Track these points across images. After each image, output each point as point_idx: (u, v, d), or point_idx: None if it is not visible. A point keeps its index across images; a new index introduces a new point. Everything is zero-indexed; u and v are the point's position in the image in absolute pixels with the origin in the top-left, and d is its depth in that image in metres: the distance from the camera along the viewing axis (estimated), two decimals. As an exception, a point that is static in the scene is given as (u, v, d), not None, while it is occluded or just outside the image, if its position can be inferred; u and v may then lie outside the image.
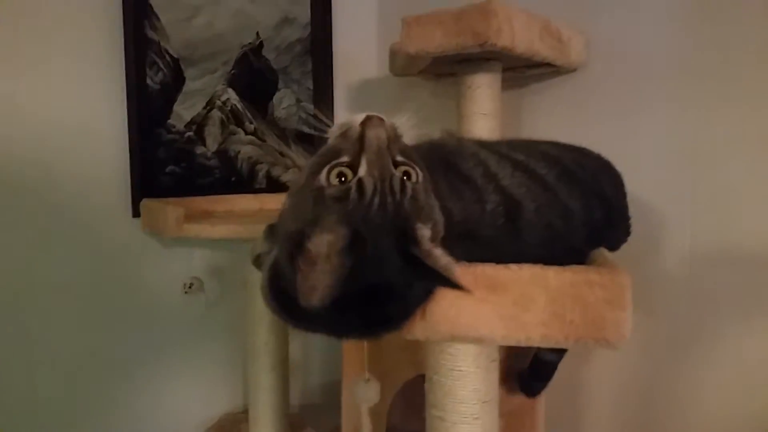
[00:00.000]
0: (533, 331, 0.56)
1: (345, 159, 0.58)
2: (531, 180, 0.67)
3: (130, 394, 1.39)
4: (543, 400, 1.08)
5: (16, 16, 1.22)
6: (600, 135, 1.26)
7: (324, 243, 0.53)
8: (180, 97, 1.42)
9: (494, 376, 0.75)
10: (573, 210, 0.68)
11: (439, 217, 0.60)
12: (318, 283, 0.53)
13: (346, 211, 0.55)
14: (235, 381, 1.51)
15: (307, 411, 1.50)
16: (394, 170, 0.57)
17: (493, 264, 0.58)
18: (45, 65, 1.26)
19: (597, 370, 1.28)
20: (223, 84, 1.46)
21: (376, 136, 0.58)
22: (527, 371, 0.99)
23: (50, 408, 1.31)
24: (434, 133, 1.38)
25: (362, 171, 0.57)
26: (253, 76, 1.51)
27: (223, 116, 1.47)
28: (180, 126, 1.42)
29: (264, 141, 1.50)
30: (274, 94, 1.54)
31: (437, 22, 1.09)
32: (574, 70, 1.30)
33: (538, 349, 0.97)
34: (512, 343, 0.58)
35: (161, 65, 1.40)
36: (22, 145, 1.22)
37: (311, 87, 1.58)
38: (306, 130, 1.57)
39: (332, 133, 0.63)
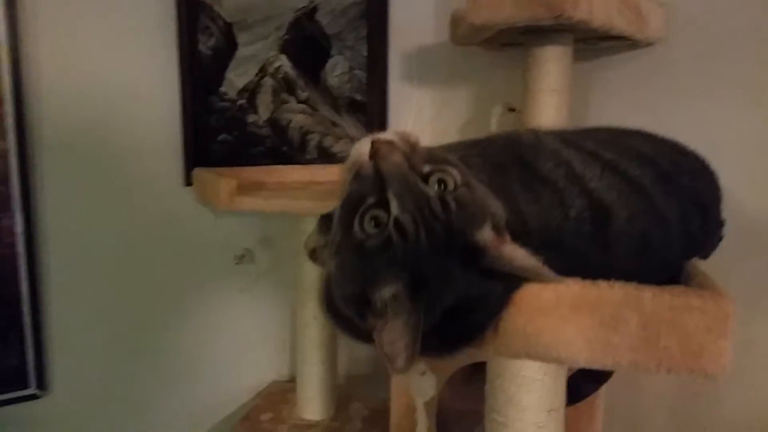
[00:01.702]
0: (621, 356, 0.52)
1: (371, 201, 0.53)
2: (623, 183, 0.61)
3: (179, 361, 1.39)
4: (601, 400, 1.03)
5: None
6: (674, 116, 1.21)
7: (387, 295, 0.50)
8: (232, 64, 1.39)
9: (561, 383, 0.71)
10: (670, 218, 0.61)
11: (494, 205, 0.56)
12: (398, 344, 0.51)
13: (397, 257, 0.51)
14: (284, 351, 1.50)
15: (354, 383, 1.49)
16: (428, 190, 0.53)
17: (579, 279, 0.52)
18: (97, 28, 1.23)
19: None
20: (276, 50, 1.42)
21: (392, 164, 0.53)
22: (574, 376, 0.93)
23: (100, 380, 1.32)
24: (493, 107, 1.33)
25: (395, 208, 0.52)
26: (306, 42, 1.47)
27: (275, 84, 1.44)
28: (232, 93, 1.40)
29: (316, 110, 1.46)
30: (326, 60, 1.49)
31: (509, -8, 1.01)
32: (650, 44, 1.21)
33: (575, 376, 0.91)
34: (597, 367, 0.53)
35: (213, 30, 1.37)
36: (76, 107, 1.22)
37: (365, 54, 1.52)
38: (359, 98, 1.52)
39: (344, 178, 0.57)
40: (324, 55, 1.52)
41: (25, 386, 1.24)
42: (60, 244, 1.26)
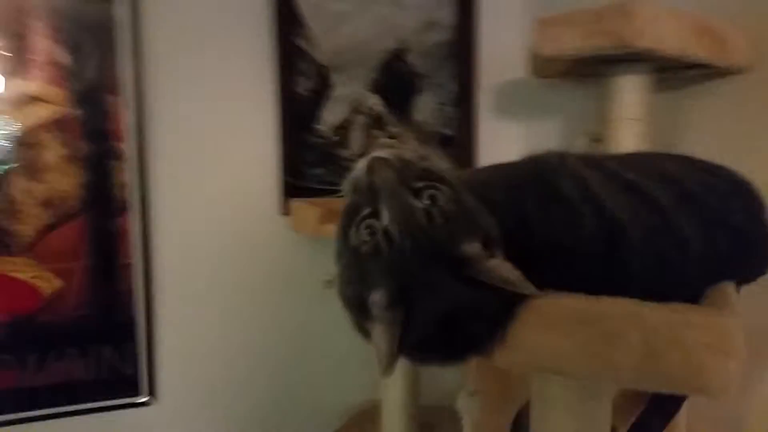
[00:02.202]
0: (623, 371, 0.53)
1: (366, 211, 0.58)
2: (641, 203, 0.63)
3: (276, 377, 1.50)
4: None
5: (179, 32, 1.36)
6: (762, 144, 1.15)
7: (379, 302, 0.56)
8: (326, 103, 1.50)
9: (606, 411, 0.71)
10: (690, 239, 0.61)
11: (485, 220, 0.59)
12: (383, 352, 0.56)
13: (385, 264, 0.56)
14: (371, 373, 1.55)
15: (439, 413, 1.51)
16: (415, 203, 0.57)
17: (581, 295, 0.55)
18: (207, 74, 1.39)
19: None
20: (368, 89, 1.51)
21: (383, 179, 0.58)
22: (644, 410, 0.91)
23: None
24: (577, 138, 1.34)
25: (385, 219, 0.57)
26: (396, 81, 1.56)
27: (366, 120, 1.53)
28: (326, 130, 1.50)
29: (405, 144, 1.53)
30: (416, 97, 1.56)
31: (573, 23, 1.07)
32: (739, 72, 1.18)
33: (642, 413, 0.89)
34: (599, 381, 0.55)
35: (310, 73, 1.48)
36: (189, 145, 1.39)
37: (454, 90, 1.59)
38: (448, 132, 1.58)
39: (346, 191, 0.63)
40: (414, 92, 1.61)
41: (137, 394, 1.39)
42: (171, 266, 1.42)
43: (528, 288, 0.54)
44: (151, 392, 1.41)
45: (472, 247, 0.56)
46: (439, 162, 0.64)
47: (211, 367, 1.49)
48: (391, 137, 1.58)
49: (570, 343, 0.55)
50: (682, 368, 0.52)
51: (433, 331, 0.57)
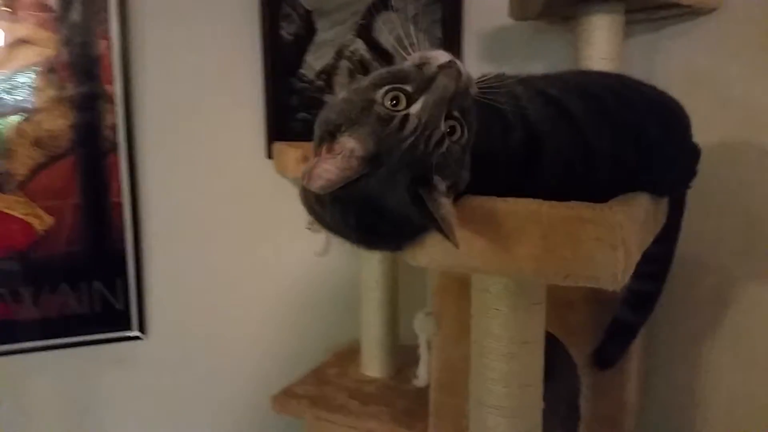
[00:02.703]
0: (525, 265, 0.58)
1: (408, 88, 0.61)
2: (559, 116, 0.67)
3: (265, 313, 1.58)
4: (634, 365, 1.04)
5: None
6: (740, 82, 1.17)
7: (350, 145, 0.60)
8: (311, 48, 1.54)
9: (537, 318, 0.76)
10: (598, 149, 0.66)
11: (464, 176, 0.64)
12: (325, 174, 0.59)
13: (381, 133, 0.60)
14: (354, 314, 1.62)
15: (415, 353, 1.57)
16: (442, 124, 0.61)
17: (491, 197, 0.60)
18: (193, 17, 1.44)
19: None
20: (352, 34, 1.54)
21: (444, 85, 0.60)
22: (603, 338, 0.97)
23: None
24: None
25: (414, 109, 0.60)
26: (381, 26, 1.57)
27: (351, 65, 1.56)
28: (311, 75, 1.55)
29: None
30: (401, 43, 1.58)
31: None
32: (712, 10, 1.19)
33: (619, 311, 0.94)
34: (506, 275, 0.60)
35: (294, 17, 1.52)
36: (174, 89, 1.53)
37: (440, 35, 1.61)
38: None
39: (412, 58, 0.65)
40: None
41: (128, 328, 1.47)
42: (159, 207, 1.49)
43: (453, 238, 0.59)
44: (141, 327, 1.48)
45: (441, 183, 0.61)
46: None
47: (198, 305, 1.56)
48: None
49: (479, 240, 0.60)
50: (576, 260, 0.56)
51: (358, 204, 0.63)
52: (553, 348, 1.04)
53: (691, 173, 0.85)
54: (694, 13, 1.25)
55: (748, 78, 1.21)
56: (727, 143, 1.24)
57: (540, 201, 0.59)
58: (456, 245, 0.58)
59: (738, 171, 1.25)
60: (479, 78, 0.68)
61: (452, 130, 0.61)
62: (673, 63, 1.32)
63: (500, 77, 0.74)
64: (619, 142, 0.69)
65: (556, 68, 1.56)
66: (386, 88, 0.61)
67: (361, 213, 0.64)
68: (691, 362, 1.35)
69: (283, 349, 1.66)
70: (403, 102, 0.61)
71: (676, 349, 1.36)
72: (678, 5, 1.21)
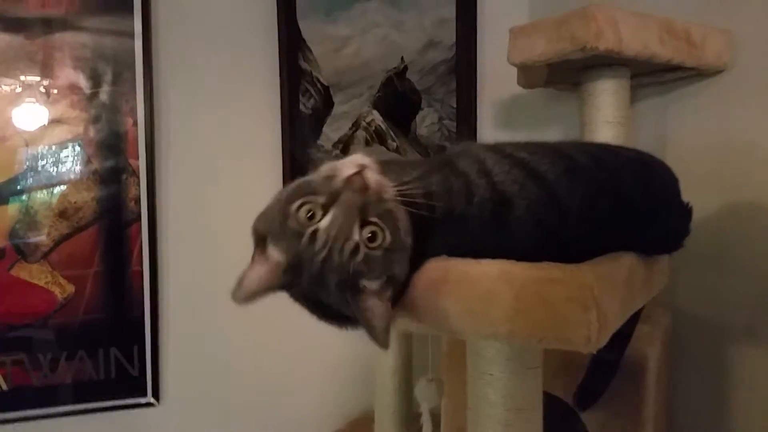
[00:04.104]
0: (500, 327, 0.56)
1: (320, 200, 0.62)
2: (527, 177, 0.66)
3: (277, 380, 1.55)
4: (650, 427, 0.99)
5: (189, 57, 1.47)
6: (752, 140, 1.15)
7: (275, 256, 0.63)
8: (329, 120, 1.58)
9: (533, 384, 0.73)
10: (571, 207, 0.65)
11: (400, 271, 0.63)
12: (249, 284, 0.64)
13: (297, 247, 0.61)
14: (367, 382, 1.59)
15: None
16: (355, 234, 0.60)
17: (467, 259, 0.59)
18: (215, 95, 1.49)
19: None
20: (369, 106, 1.60)
21: (350, 200, 0.61)
22: (584, 378, 0.94)
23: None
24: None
25: (323, 223, 0.61)
26: (397, 98, 1.63)
27: (368, 136, 1.60)
28: (328, 145, 1.58)
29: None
30: (417, 113, 1.62)
31: (538, 30, 1.12)
32: (719, 71, 1.19)
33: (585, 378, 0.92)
34: (482, 338, 0.58)
35: (312, 92, 1.57)
36: (194, 165, 1.55)
37: (454, 105, 1.64)
38: (448, 145, 1.63)
39: (323, 170, 0.66)
40: (414, 108, 1.67)
41: (143, 395, 1.47)
42: (177, 275, 1.51)
43: (379, 342, 0.59)
44: (155, 394, 1.48)
45: (371, 284, 0.61)
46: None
47: (212, 372, 1.56)
48: (391, 151, 1.64)
49: (453, 303, 0.59)
50: (548, 322, 0.55)
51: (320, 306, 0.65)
52: (566, 414, 1.01)
53: (682, 232, 0.83)
54: (701, 75, 1.24)
55: (758, 137, 1.19)
56: (740, 201, 1.21)
57: (513, 262, 0.58)
58: (383, 347, 0.59)
59: (752, 229, 1.21)
60: (403, 181, 0.68)
61: (373, 236, 0.61)
62: (683, 125, 1.31)
63: (467, 144, 0.75)
64: (594, 201, 0.67)
65: (567, 133, 1.59)
66: (298, 202, 0.62)
67: (309, 303, 0.66)
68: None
69: (298, 417, 1.63)
70: (319, 214, 0.61)
71: (698, 411, 1.29)
72: (682, 68, 1.21)
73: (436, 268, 0.61)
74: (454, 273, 0.60)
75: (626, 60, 1.14)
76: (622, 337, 0.93)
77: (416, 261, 0.64)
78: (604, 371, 0.97)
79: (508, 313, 0.56)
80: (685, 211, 0.83)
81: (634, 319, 0.93)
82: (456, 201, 0.66)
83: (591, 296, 0.53)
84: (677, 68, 1.21)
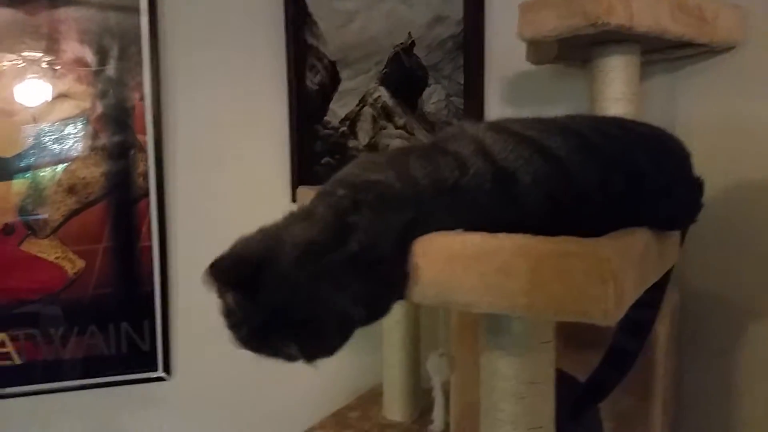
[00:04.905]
0: (517, 300, 0.57)
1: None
2: (534, 153, 0.67)
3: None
4: (659, 403, 1.01)
5: (195, 33, 1.47)
6: (763, 117, 1.16)
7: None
8: (335, 96, 1.58)
9: (546, 357, 0.75)
10: (584, 181, 0.65)
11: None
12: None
13: None
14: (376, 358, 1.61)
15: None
16: None
17: (483, 233, 0.59)
18: (221, 70, 1.48)
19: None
20: (376, 82, 1.59)
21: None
22: (599, 367, 0.94)
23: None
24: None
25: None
26: (404, 74, 1.62)
27: (374, 112, 1.59)
28: (335, 122, 1.58)
29: (412, 134, 1.60)
30: (424, 90, 1.62)
31: (549, 5, 1.10)
32: (730, 48, 1.19)
33: (615, 337, 0.92)
34: (499, 311, 0.59)
35: (319, 68, 1.57)
36: (204, 136, 1.58)
37: (462, 82, 1.63)
38: (455, 122, 1.62)
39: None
40: (421, 85, 1.66)
41: (153, 369, 1.49)
42: (185, 249, 1.52)
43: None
44: (166, 368, 1.50)
45: None
46: None
47: (223, 345, 1.56)
48: (398, 128, 1.64)
49: (469, 276, 0.60)
50: (565, 295, 0.55)
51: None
52: (576, 390, 1.02)
53: (696, 206, 0.83)
54: (712, 51, 1.24)
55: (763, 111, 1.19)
56: (750, 180, 1.21)
57: (529, 236, 0.58)
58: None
59: (762, 208, 1.22)
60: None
61: None
62: (693, 102, 1.30)
63: (463, 125, 0.76)
64: (607, 175, 0.67)
65: (575, 110, 1.58)
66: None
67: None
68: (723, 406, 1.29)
69: (307, 391, 1.65)
70: None
71: (706, 392, 1.31)
72: (694, 45, 1.20)
73: (452, 241, 0.62)
74: (470, 247, 0.60)
75: (637, 36, 1.14)
76: (644, 324, 0.93)
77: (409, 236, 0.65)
78: (621, 363, 0.95)
79: (525, 286, 0.57)
80: (697, 186, 0.84)
81: (656, 305, 0.93)
82: (444, 172, 0.66)
83: (609, 270, 0.53)
84: (688, 45, 1.21)
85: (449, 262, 0.61)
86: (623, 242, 0.59)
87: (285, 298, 0.65)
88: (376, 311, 0.68)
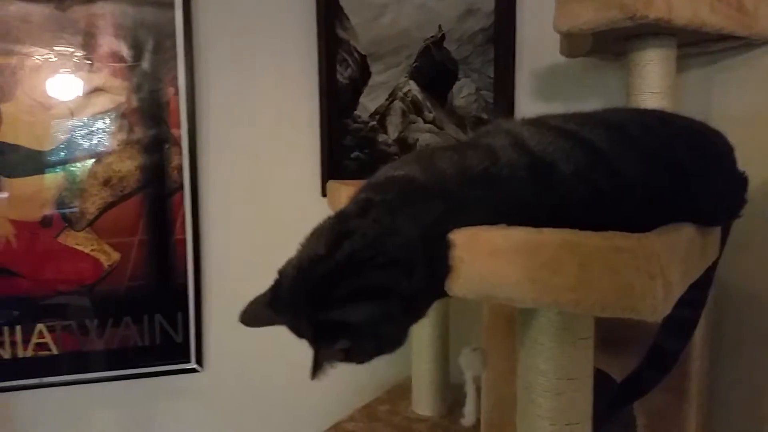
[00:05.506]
0: (563, 295, 0.57)
1: None
2: (574, 145, 0.66)
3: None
4: (693, 400, 1.00)
5: (229, 28, 1.49)
6: None
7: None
8: (366, 90, 1.59)
9: (584, 354, 0.75)
10: (626, 175, 0.65)
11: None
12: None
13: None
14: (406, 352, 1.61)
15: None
16: None
17: (527, 227, 0.60)
18: (254, 65, 1.50)
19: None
20: (406, 76, 1.60)
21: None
22: (640, 365, 0.93)
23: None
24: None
25: None
26: (434, 68, 1.62)
27: (404, 106, 1.60)
28: (365, 116, 1.58)
29: (442, 129, 1.60)
30: (454, 83, 1.61)
31: (588, -2, 1.08)
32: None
33: (658, 336, 0.91)
34: (544, 306, 0.59)
35: (350, 62, 1.57)
36: (238, 129, 1.59)
37: (492, 75, 1.62)
38: (484, 116, 1.62)
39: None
40: (451, 78, 1.66)
41: (188, 360, 1.51)
42: (218, 242, 1.54)
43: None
44: (199, 360, 1.52)
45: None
46: None
47: (255, 338, 1.58)
48: (427, 122, 1.64)
49: (514, 270, 0.60)
50: (613, 291, 0.55)
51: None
52: (612, 388, 1.01)
53: (739, 201, 0.82)
54: (750, 45, 1.22)
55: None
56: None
57: (576, 231, 0.58)
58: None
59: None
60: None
61: None
62: (729, 97, 1.29)
63: (500, 121, 0.76)
64: (650, 169, 0.67)
65: (608, 104, 1.57)
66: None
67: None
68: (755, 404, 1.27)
69: (337, 385, 1.66)
70: None
71: (740, 390, 1.29)
72: (732, 38, 1.18)
73: (495, 235, 0.62)
74: (514, 241, 0.60)
75: (674, 29, 1.13)
76: (687, 324, 0.92)
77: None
78: (662, 363, 0.94)
79: (572, 282, 0.57)
80: (741, 181, 0.83)
81: (699, 305, 0.92)
82: (473, 162, 0.66)
83: (657, 265, 0.53)
84: (726, 38, 1.19)
85: (493, 256, 0.61)
86: (670, 237, 0.59)
87: (290, 323, 0.71)
88: (408, 309, 0.66)
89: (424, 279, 0.64)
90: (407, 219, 0.64)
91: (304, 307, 0.67)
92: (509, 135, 0.70)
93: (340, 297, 0.63)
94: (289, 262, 0.71)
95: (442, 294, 0.66)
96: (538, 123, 0.73)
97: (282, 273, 0.71)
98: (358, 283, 0.62)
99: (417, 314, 0.68)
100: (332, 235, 0.67)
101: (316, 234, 0.70)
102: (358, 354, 0.68)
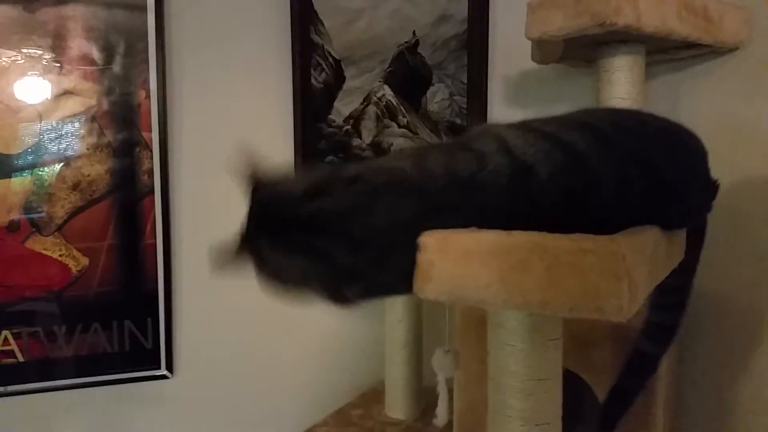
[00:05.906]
0: (532, 296, 0.58)
1: None
2: (552, 147, 0.67)
3: (291, 354, 1.57)
4: (660, 402, 1.02)
5: (201, 30, 1.48)
6: (765, 120, 1.17)
7: None
8: (340, 94, 1.59)
9: (553, 355, 0.76)
10: (602, 177, 0.66)
11: None
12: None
13: None
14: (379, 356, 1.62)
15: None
16: None
17: (497, 230, 0.60)
18: (227, 68, 1.50)
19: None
20: (380, 81, 1.60)
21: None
22: (622, 370, 0.94)
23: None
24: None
25: None
26: (408, 73, 1.63)
27: (378, 111, 1.60)
28: (339, 120, 1.58)
29: (416, 133, 1.60)
30: (428, 89, 1.62)
31: (557, 5, 1.11)
32: (735, 49, 1.20)
33: (639, 342, 0.92)
34: (514, 308, 0.60)
35: (324, 66, 1.57)
36: (217, 132, 1.60)
37: (465, 81, 1.64)
38: (458, 121, 1.63)
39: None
40: (425, 84, 1.67)
41: (158, 367, 1.50)
42: (189, 247, 1.53)
43: None
44: (169, 366, 1.51)
45: None
46: None
47: (226, 344, 1.58)
48: (401, 127, 1.65)
49: (484, 273, 0.61)
50: (580, 292, 0.56)
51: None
52: (580, 388, 1.02)
53: (706, 208, 0.84)
54: (716, 52, 1.25)
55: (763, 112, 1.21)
56: (753, 181, 1.22)
57: (544, 234, 0.59)
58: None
59: (765, 209, 1.23)
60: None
61: None
62: (697, 102, 1.31)
63: (487, 125, 0.77)
64: (624, 170, 0.68)
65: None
66: None
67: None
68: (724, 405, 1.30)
69: (309, 389, 1.66)
70: None
71: (708, 391, 1.32)
72: (699, 45, 1.21)
73: (466, 238, 0.63)
74: (485, 243, 0.61)
75: (643, 36, 1.15)
76: (668, 328, 0.93)
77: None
78: (644, 368, 0.95)
79: (541, 283, 0.57)
80: (712, 187, 0.84)
81: (680, 309, 0.93)
82: (461, 165, 0.67)
83: (623, 266, 0.54)
84: (693, 45, 1.22)
85: (464, 258, 0.62)
86: (635, 239, 0.60)
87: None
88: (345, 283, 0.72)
89: (374, 266, 0.68)
90: (382, 207, 0.66)
91: (260, 228, 0.73)
92: (497, 139, 0.70)
93: (288, 241, 0.70)
94: (273, 181, 0.77)
95: (396, 289, 0.71)
96: (522, 126, 0.74)
97: (260, 184, 0.76)
98: (307, 238, 0.68)
99: (359, 293, 0.74)
100: (315, 185, 0.70)
101: (308, 174, 0.75)
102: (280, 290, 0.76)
